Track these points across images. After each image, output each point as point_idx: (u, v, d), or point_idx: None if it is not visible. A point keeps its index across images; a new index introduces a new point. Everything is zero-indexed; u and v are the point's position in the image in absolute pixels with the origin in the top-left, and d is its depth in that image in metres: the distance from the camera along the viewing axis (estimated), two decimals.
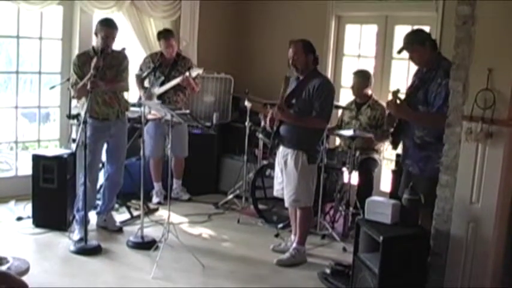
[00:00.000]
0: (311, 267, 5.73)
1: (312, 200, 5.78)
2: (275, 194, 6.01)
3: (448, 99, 4.56)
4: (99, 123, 6.09)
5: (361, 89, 6.91)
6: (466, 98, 4.29)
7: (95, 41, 6.12)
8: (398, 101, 5.05)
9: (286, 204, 5.83)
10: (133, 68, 6.97)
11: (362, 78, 6.92)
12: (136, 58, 7.50)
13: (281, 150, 5.79)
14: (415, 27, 5.60)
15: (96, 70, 5.80)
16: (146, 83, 7.27)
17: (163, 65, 7.28)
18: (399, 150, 5.57)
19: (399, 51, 5.24)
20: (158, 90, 7.24)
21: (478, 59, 4.22)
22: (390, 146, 5.82)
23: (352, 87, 7.01)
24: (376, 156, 6.87)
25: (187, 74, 7.16)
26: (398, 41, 5.36)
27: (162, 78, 7.30)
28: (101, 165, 6.46)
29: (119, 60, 6.19)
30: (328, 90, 5.65)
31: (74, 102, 6.93)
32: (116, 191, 6.48)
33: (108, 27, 6.00)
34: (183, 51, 7.97)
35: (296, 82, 5.72)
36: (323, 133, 5.85)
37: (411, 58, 5.19)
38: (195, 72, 7.22)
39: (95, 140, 6.03)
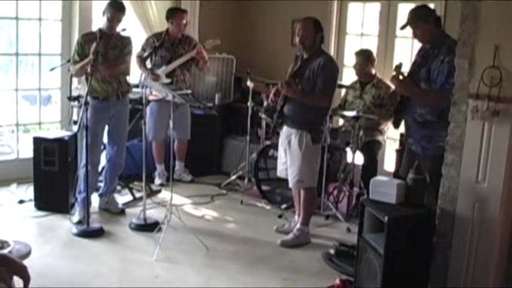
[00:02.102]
0: (315, 248, 5.71)
1: (316, 180, 5.75)
2: (278, 174, 5.98)
3: (451, 77, 4.51)
4: (99, 104, 6.07)
5: (363, 69, 6.87)
6: (472, 75, 4.22)
7: (102, 22, 6.10)
8: (401, 77, 5.02)
9: (290, 185, 5.80)
10: (135, 49, 6.90)
11: (364, 57, 6.87)
12: (137, 40, 7.44)
13: (285, 130, 5.75)
14: (419, 4, 5.52)
15: (96, 55, 5.77)
16: (148, 64, 7.21)
17: (168, 44, 7.24)
18: (403, 129, 5.53)
19: (402, 27, 5.19)
20: (167, 68, 7.18)
21: (484, 35, 4.15)
22: (392, 125, 5.77)
23: (355, 67, 6.96)
24: (380, 137, 6.83)
25: (200, 45, 7.21)
26: (401, 19, 5.31)
27: (169, 56, 7.25)
28: (102, 147, 6.42)
29: (123, 43, 6.18)
30: (332, 68, 5.62)
31: (75, 83, 6.91)
32: (118, 173, 6.45)
33: (114, 9, 6.00)
34: (185, 32, 7.91)
35: (300, 61, 5.67)
36: (327, 113, 5.82)
37: (414, 34, 5.15)
38: (212, 43, 7.20)
39: (95, 122, 5.99)
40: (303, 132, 5.58)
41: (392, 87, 5.48)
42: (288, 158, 5.74)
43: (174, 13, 7.35)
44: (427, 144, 4.93)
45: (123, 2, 6.15)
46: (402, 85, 5.03)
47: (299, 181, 5.68)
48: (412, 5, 5.34)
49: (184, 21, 7.32)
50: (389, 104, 6.34)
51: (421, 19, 5.00)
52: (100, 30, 6.07)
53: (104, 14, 6.04)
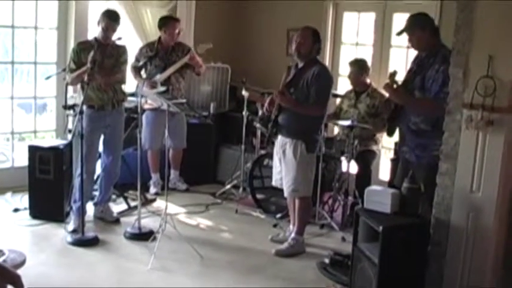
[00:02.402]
0: (310, 257, 5.70)
1: (310, 189, 5.76)
2: (274, 183, 5.98)
3: (445, 86, 4.53)
4: (94, 113, 6.07)
5: (357, 78, 6.88)
6: (467, 85, 4.24)
7: (97, 31, 6.10)
8: (395, 85, 5.04)
9: (285, 194, 5.80)
10: (130, 58, 6.90)
11: (358, 67, 6.88)
12: (132, 48, 7.45)
13: (279, 139, 5.75)
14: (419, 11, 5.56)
15: (93, 63, 5.78)
16: (143, 73, 7.23)
17: (162, 53, 7.24)
18: (397, 138, 5.54)
19: (399, 33, 5.22)
20: (162, 75, 7.19)
21: (478, 45, 4.18)
22: (385, 133, 5.79)
23: (349, 77, 6.97)
24: (374, 147, 6.84)
25: (193, 51, 7.30)
26: (396, 29, 5.33)
27: (163, 65, 7.25)
28: (98, 155, 6.42)
29: (119, 52, 6.19)
30: (326, 78, 5.64)
31: (70, 92, 6.91)
32: (113, 182, 6.45)
33: (109, 18, 6.01)
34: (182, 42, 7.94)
35: (294, 70, 5.69)
36: (322, 122, 5.82)
37: (410, 41, 5.18)
38: (205, 47, 7.21)
39: (91, 131, 5.99)
40: (297, 141, 5.58)
41: (387, 95, 5.50)
42: (282, 168, 5.75)
43: (167, 22, 7.36)
44: (421, 153, 4.95)
45: (118, 10, 6.16)
46: (396, 93, 5.06)
47: (294, 190, 5.69)
48: (407, 15, 5.36)
49: (177, 30, 7.33)
50: (384, 111, 6.37)
51: (417, 26, 5.03)
52: (96, 39, 6.08)
53: (98, 23, 6.05)
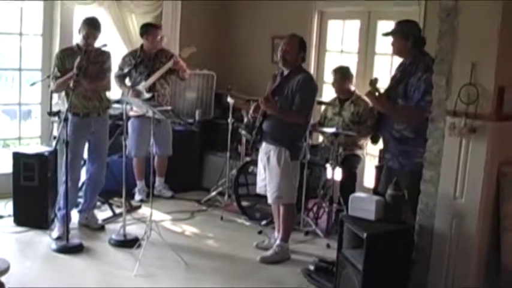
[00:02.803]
0: (295, 264, 5.71)
1: (295, 196, 5.76)
2: (258, 191, 5.99)
3: (427, 94, 4.59)
4: (79, 120, 6.04)
5: (341, 86, 6.90)
6: (450, 92, 4.28)
7: (79, 39, 6.07)
8: (377, 93, 5.08)
9: (269, 201, 5.81)
10: (114, 65, 6.89)
11: (341, 74, 6.90)
12: (117, 54, 7.45)
13: (264, 146, 5.77)
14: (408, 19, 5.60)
15: (79, 70, 5.76)
16: (127, 82, 7.22)
17: (145, 60, 7.23)
18: (382, 145, 5.57)
19: (385, 34, 5.28)
20: (146, 83, 7.19)
21: (461, 53, 4.22)
22: (370, 141, 5.82)
23: (333, 84, 6.99)
24: (359, 152, 6.87)
25: (176, 55, 7.29)
26: (381, 37, 5.38)
27: (147, 72, 7.25)
28: (82, 162, 6.40)
29: (103, 58, 6.17)
30: (310, 86, 5.63)
31: (55, 99, 6.88)
32: (98, 190, 6.43)
33: (89, 26, 5.97)
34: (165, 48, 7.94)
35: (280, 78, 5.70)
36: (306, 129, 5.83)
37: (392, 45, 5.22)
38: (188, 51, 7.23)
39: (76, 138, 5.97)
40: (281, 148, 5.59)
41: (370, 103, 5.54)
42: (266, 174, 5.76)
43: (149, 29, 7.36)
44: (404, 160, 4.98)
45: (104, 17, 6.13)
46: (378, 101, 5.09)
47: (278, 197, 5.69)
48: (391, 23, 5.41)
49: (158, 37, 7.35)
50: (369, 119, 6.42)
51: (400, 34, 5.09)
52: (78, 46, 6.05)
53: (79, 31, 6.02)
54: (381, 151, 6.16)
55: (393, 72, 5.41)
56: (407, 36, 5.06)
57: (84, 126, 6.09)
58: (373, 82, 5.08)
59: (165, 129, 7.44)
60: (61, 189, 6.01)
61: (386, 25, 5.56)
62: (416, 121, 4.76)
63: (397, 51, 5.19)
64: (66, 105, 5.75)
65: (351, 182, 6.60)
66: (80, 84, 5.79)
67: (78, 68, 5.75)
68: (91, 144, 6.26)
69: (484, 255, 4.37)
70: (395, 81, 5.15)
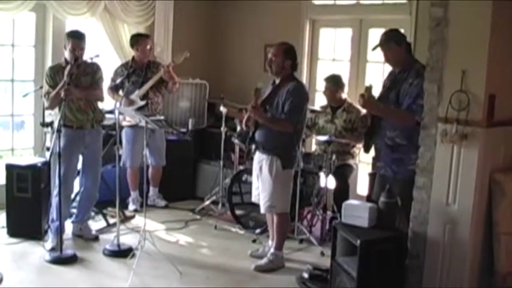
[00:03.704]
0: (289, 272, 5.71)
1: (288, 205, 5.76)
2: (253, 199, 5.98)
3: (418, 98, 4.62)
4: (73, 133, 6.03)
5: (333, 94, 6.92)
6: (441, 99, 4.31)
7: (66, 53, 6.06)
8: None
9: (262, 210, 5.81)
10: (108, 75, 6.90)
11: (333, 83, 6.92)
12: (110, 64, 7.46)
13: (257, 155, 5.77)
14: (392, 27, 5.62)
15: (70, 77, 5.76)
16: (120, 93, 7.23)
17: (137, 70, 7.24)
18: (372, 152, 5.58)
19: (374, 48, 5.27)
20: (140, 91, 7.21)
21: (451, 60, 4.25)
22: (362, 149, 5.82)
23: (324, 93, 7.01)
24: (351, 161, 6.89)
25: (168, 64, 7.28)
26: (372, 44, 5.40)
27: (140, 81, 7.26)
28: (76, 174, 6.39)
29: (93, 69, 6.17)
30: (299, 94, 5.59)
31: (48, 110, 6.87)
32: (92, 203, 6.44)
33: (74, 38, 5.97)
34: (157, 57, 7.95)
35: (272, 87, 5.71)
36: (299, 138, 5.82)
37: (385, 57, 5.22)
38: (181, 56, 7.24)
39: (69, 151, 5.96)
40: (273, 157, 5.58)
41: (363, 111, 5.54)
42: (259, 184, 5.77)
43: (138, 39, 7.38)
44: (397, 167, 4.99)
45: (96, 27, 6.12)
46: (368, 103, 5.06)
47: (270, 206, 5.69)
48: (382, 30, 5.42)
49: (148, 46, 7.36)
50: (361, 126, 6.43)
51: (393, 41, 5.09)
52: (66, 60, 6.03)
53: (65, 46, 6.01)
54: (373, 159, 6.17)
55: (384, 81, 5.42)
56: (400, 42, 5.09)
57: (77, 138, 6.08)
58: (369, 88, 5.08)
59: (159, 139, 7.46)
60: (54, 201, 6.00)
61: (377, 33, 5.58)
62: (408, 122, 4.77)
63: (392, 59, 5.16)
64: (58, 116, 5.73)
65: (344, 189, 6.61)
66: (70, 93, 5.77)
67: (68, 75, 5.75)
68: (85, 157, 6.25)
69: (477, 261, 4.40)
70: (386, 89, 5.16)
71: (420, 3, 6.50)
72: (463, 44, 4.19)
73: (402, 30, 5.96)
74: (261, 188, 5.73)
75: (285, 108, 5.51)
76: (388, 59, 5.25)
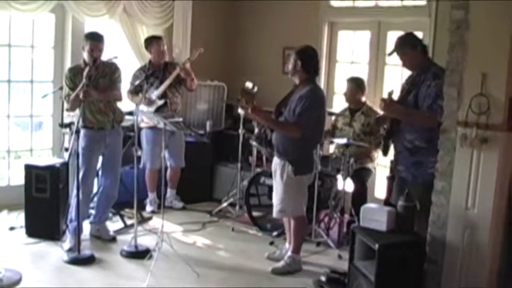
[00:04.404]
0: (306, 275, 5.70)
1: (300, 210, 5.70)
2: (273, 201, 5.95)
3: (438, 99, 4.59)
4: (94, 133, 6.07)
5: (353, 96, 6.91)
6: (461, 103, 4.28)
7: (84, 55, 6.09)
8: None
9: (274, 214, 5.80)
10: (127, 77, 6.91)
11: (355, 84, 6.91)
12: (129, 66, 7.48)
13: (274, 159, 5.76)
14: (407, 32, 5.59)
15: (89, 79, 5.80)
16: (140, 95, 7.24)
17: (155, 72, 7.26)
18: (392, 156, 5.55)
19: (390, 54, 5.26)
20: (158, 91, 7.23)
21: (471, 64, 4.21)
22: (381, 152, 5.78)
23: (345, 94, 7.01)
24: (370, 165, 6.87)
25: (184, 61, 7.33)
26: (391, 47, 5.36)
27: (157, 82, 7.29)
28: (95, 175, 6.42)
29: (112, 69, 6.19)
30: (311, 99, 5.44)
31: (70, 111, 6.90)
32: (111, 204, 6.48)
33: (92, 40, 6.00)
34: (175, 59, 7.97)
35: (292, 90, 5.68)
36: (314, 144, 5.79)
37: (402, 61, 5.21)
38: (196, 53, 7.27)
39: (90, 152, 6.02)
40: (285, 162, 5.55)
41: (381, 112, 5.51)
42: (274, 187, 5.77)
43: (151, 41, 7.42)
44: (416, 171, 4.96)
45: (115, 29, 6.14)
46: (389, 107, 5.04)
47: (280, 211, 5.69)
48: (401, 33, 5.40)
49: (162, 48, 7.38)
50: (375, 129, 6.39)
51: (408, 46, 5.07)
52: (85, 62, 6.06)
53: (83, 48, 6.05)
54: (392, 162, 6.13)
55: (402, 85, 5.38)
56: (415, 46, 5.07)
57: (98, 139, 6.13)
58: (390, 94, 5.05)
59: (179, 141, 7.49)
60: (73, 201, 6.03)
61: (396, 35, 5.55)
62: (430, 123, 4.72)
63: (409, 63, 5.15)
64: (78, 117, 5.76)
65: (362, 192, 6.59)
66: (89, 95, 5.81)
67: (87, 77, 5.78)
68: (105, 158, 6.30)
69: (496, 265, 4.35)
70: (405, 92, 5.13)
71: (440, 4, 6.45)
72: (484, 47, 4.15)
73: (421, 33, 5.96)
74: (274, 191, 5.73)
75: (296, 111, 5.44)
76: (404, 64, 5.24)
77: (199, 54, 7.27)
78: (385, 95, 5.33)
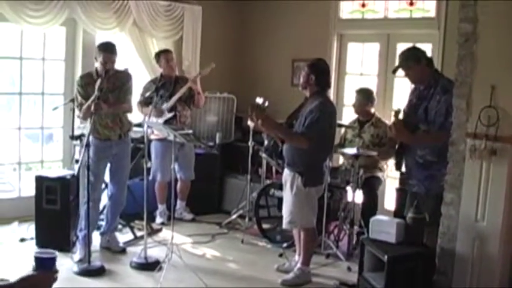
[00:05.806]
0: (316, 287, 5.69)
1: (309, 222, 5.69)
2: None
3: (449, 116, 4.58)
4: (101, 143, 6.11)
5: (362, 107, 6.92)
6: (470, 115, 4.29)
7: (97, 65, 6.12)
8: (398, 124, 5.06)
9: (283, 225, 5.81)
10: (137, 89, 6.94)
11: (364, 96, 6.92)
12: (139, 79, 7.52)
13: (285, 170, 5.77)
14: (417, 45, 5.60)
15: (100, 91, 5.81)
16: (151, 107, 7.27)
17: (166, 84, 7.30)
18: (403, 168, 5.55)
19: (394, 71, 5.28)
20: (168, 104, 7.26)
21: (480, 76, 4.23)
22: (394, 167, 5.77)
23: (354, 105, 7.01)
24: (379, 174, 6.86)
25: (195, 75, 7.38)
26: (395, 71, 5.40)
27: (168, 94, 7.32)
28: (104, 185, 6.45)
29: (123, 80, 6.22)
30: (322, 112, 5.46)
31: (77, 123, 6.94)
32: (119, 211, 6.47)
33: (105, 52, 6.01)
34: (185, 71, 8.01)
35: (303, 102, 5.70)
36: (324, 156, 5.79)
37: (407, 76, 5.22)
38: (208, 69, 7.31)
39: (97, 161, 6.03)
40: (295, 174, 5.56)
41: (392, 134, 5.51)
42: (283, 198, 5.77)
43: (159, 55, 7.48)
44: (430, 184, 4.95)
45: (125, 42, 6.16)
46: (400, 134, 5.05)
47: (289, 222, 5.70)
48: (410, 45, 5.42)
49: (170, 60, 7.43)
50: (389, 145, 6.39)
51: (412, 60, 5.08)
52: (97, 71, 6.08)
53: (96, 59, 6.08)
54: (401, 174, 6.13)
55: (409, 97, 5.38)
56: (418, 60, 5.07)
57: (105, 148, 6.16)
58: (397, 113, 5.06)
59: (189, 154, 7.52)
60: (82, 210, 6.06)
61: (405, 47, 5.57)
62: (442, 140, 4.72)
63: (414, 78, 5.17)
64: (88, 129, 5.79)
65: (372, 204, 6.58)
66: (100, 108, 5.84)
67: (99, 89, 5.80)
68: (112, 166, 6.32)
69: (506, 277, 4.35)
70: (413, 105, 5.13)
71: (449, 17, 6.47)
72: (492, 60, 4.17)
73: (430, 46, 5.96)
74: (284, 202, 5.73)
75: (305, 123, 5.46)
76: (409, 78, 5.25)
77: (211, 69, 7.30)
78: (392, 114, 5.32)
